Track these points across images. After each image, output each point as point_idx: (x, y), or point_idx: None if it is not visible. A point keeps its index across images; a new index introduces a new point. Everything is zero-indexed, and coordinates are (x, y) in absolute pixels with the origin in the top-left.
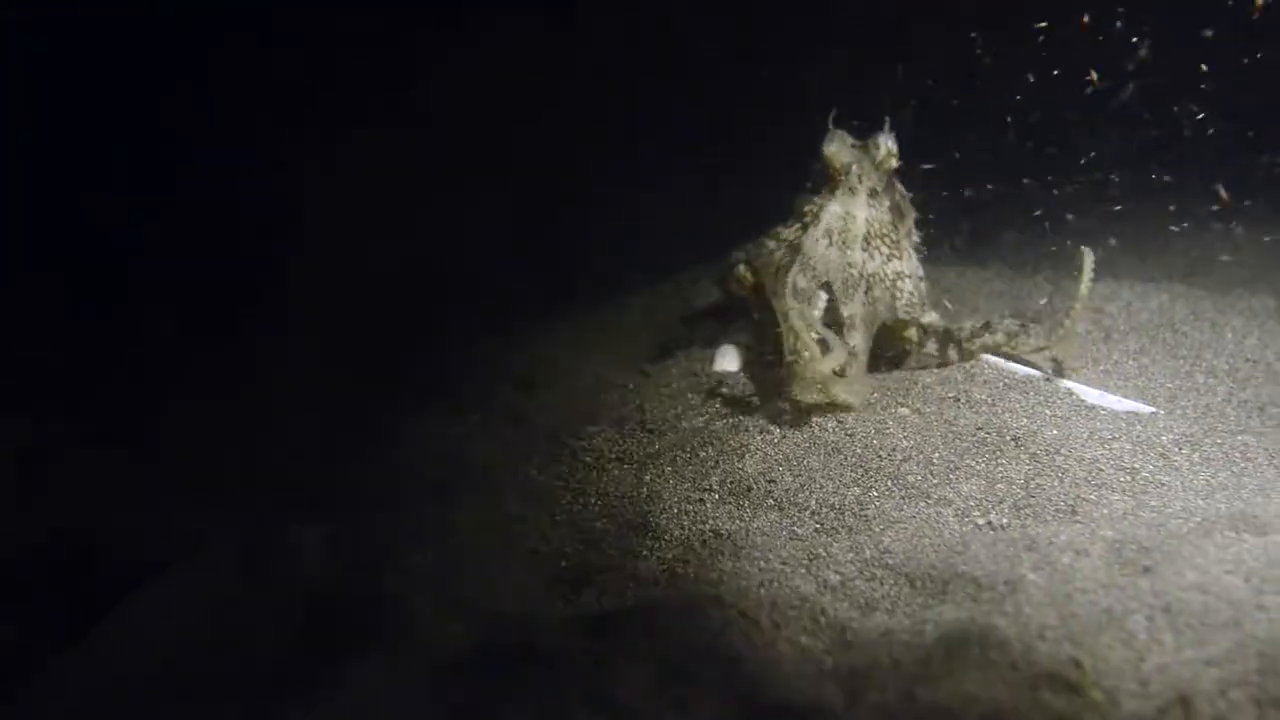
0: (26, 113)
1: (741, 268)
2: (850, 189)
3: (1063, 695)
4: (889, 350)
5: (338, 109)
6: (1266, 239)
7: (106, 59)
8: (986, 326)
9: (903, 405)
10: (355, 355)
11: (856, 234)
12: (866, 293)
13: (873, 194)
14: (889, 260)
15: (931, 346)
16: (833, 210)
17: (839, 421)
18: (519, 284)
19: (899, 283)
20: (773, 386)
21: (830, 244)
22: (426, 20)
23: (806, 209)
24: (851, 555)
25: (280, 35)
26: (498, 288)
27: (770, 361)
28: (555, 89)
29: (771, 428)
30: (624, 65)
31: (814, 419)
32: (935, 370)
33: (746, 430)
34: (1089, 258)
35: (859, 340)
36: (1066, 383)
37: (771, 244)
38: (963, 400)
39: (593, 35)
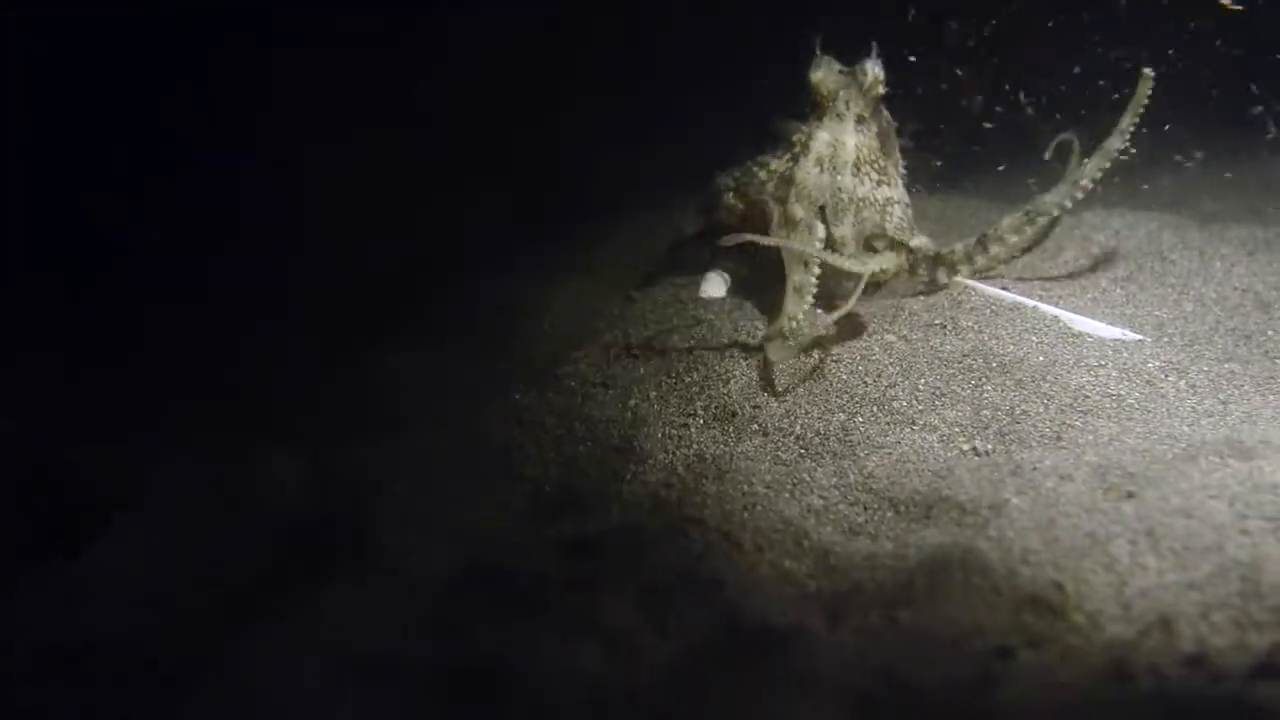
0: (26, 113)
1: (730, 196)
2: (838, 115)
3: (1045, 618)
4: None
5: (338, 109)
6: (1228, 175)
7: (106, 59)
8: (983, 240)
9: (889, 332)
10: (353, 353)
11: (846, 160)
12: (855, 215)
13: (860, 120)
14: (878, 186)
15: (923, 272)
16: (822, 138)
17: (824, 349)
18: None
19: (889, 207)
20: (761, 312)
21: (822, 171)
22: (427, 21)
23: (795, 138)
24: (836, 480)
25: (280, 35)
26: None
27: (760, 286)
28: (555, 89)
29: (757, 354)
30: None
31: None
32: (922, 297)
33: (732, 356)
34: (1149, 79)
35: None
36: (1053, 309)
37: (761, 174)
38: (949, 327)
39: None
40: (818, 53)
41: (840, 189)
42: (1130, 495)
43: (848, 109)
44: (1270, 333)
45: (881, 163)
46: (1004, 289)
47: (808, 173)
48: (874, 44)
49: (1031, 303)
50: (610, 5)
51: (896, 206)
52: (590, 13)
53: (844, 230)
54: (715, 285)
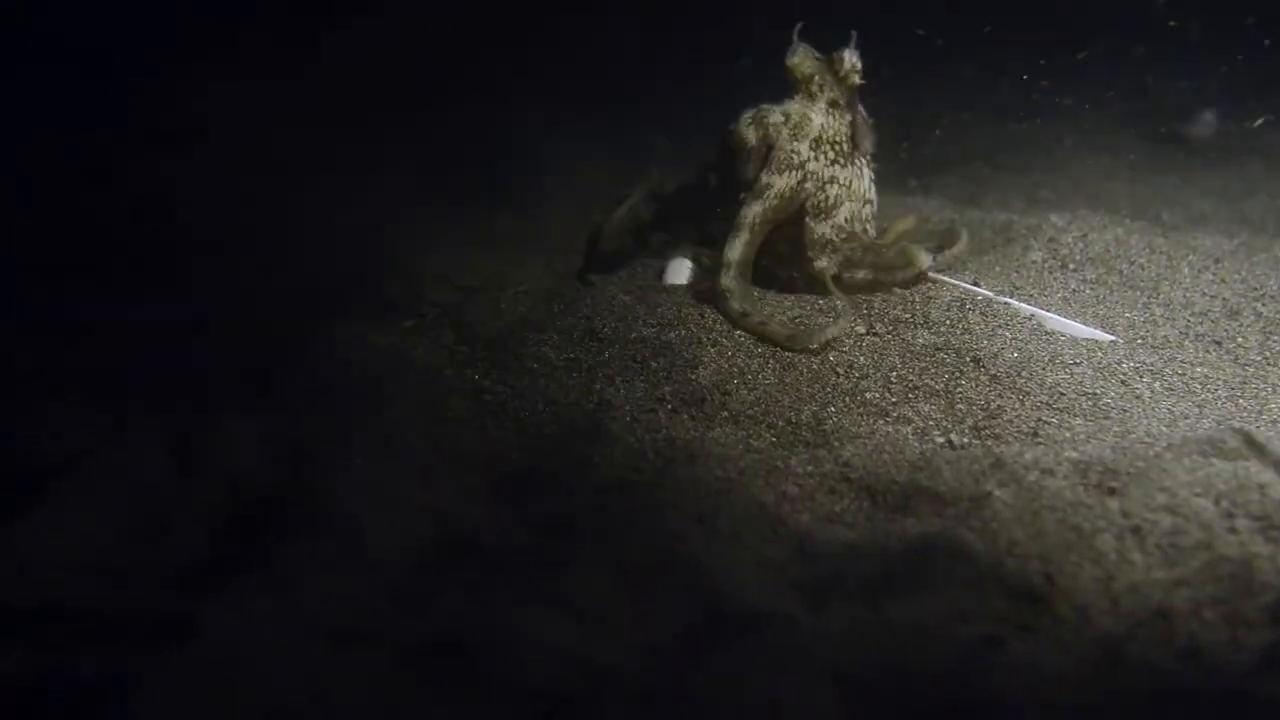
0: None
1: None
2: (811, 95)
3: (1033, 610)
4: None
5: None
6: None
7: None
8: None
9: (857, 324)
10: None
11: (808, 133)
12: (800, 183)
13: (833, 104)
14: (832, 165)
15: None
16: (794, 106)
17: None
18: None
19: (829, 186)
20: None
21: (786, 122)
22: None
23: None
24: (811, 468)
25: None
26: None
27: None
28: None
29: (724, 341)
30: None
31: None
32: (890, 293)
33: (699, 342)
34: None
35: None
36: (1027, 306)
37: (777, 114)
38: (920, 321)
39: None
40: (795, 40)
41: (795, 151)
42: (1114, 491)
43: (821, 91)
44: (1240, 340)
45: (845, 147)
46: (975, 284)
47: (775, 116)
48: (853, 33)
49: (1004, 298)
50: None
51: (840, 188)
52: None
53: (777, 182)
54: (680, 271)
